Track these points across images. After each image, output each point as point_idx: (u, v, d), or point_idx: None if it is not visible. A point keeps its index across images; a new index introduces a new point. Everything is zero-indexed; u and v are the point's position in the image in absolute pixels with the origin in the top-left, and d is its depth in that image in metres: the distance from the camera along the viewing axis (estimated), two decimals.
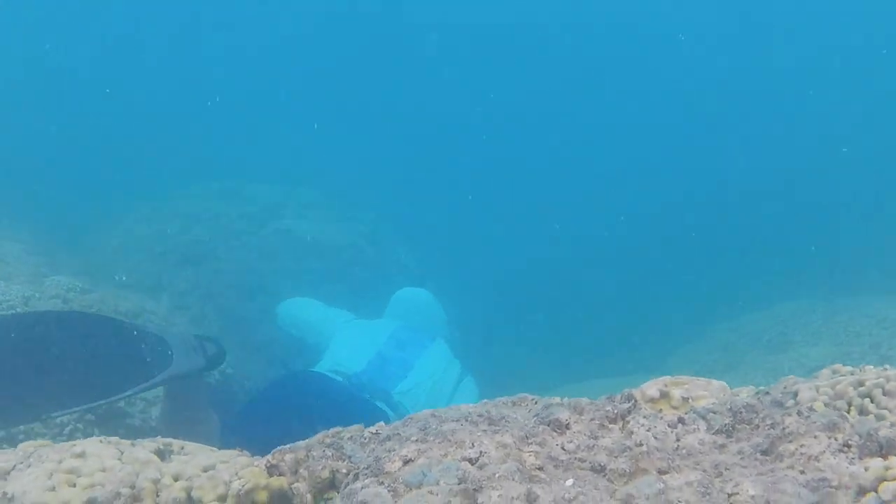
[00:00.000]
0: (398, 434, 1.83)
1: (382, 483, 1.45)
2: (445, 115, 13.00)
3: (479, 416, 1.66)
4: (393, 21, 14.32)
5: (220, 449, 2.19)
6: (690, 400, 1.83)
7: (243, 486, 1.75)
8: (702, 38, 13.62)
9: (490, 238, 10.00)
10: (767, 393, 2.16)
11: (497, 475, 1.43)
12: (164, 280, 7.42)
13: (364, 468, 1.57)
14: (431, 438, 1.57)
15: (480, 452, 1.50)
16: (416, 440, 1.56)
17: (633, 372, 6.72)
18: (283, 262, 7.74)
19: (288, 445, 1.90)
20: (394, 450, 1.69)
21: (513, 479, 1.44)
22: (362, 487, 1.44)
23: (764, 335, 7.19)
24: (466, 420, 1.63)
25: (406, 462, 1.51)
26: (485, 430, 1.58)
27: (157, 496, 1.92)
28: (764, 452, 1.74)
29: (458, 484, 1.41)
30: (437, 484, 1.42)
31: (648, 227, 10.22)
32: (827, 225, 9.82)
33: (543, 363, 8.23)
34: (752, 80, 13.51)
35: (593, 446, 1.63)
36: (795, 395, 2.09)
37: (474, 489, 1.39)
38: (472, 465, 1.48)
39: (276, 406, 4.08)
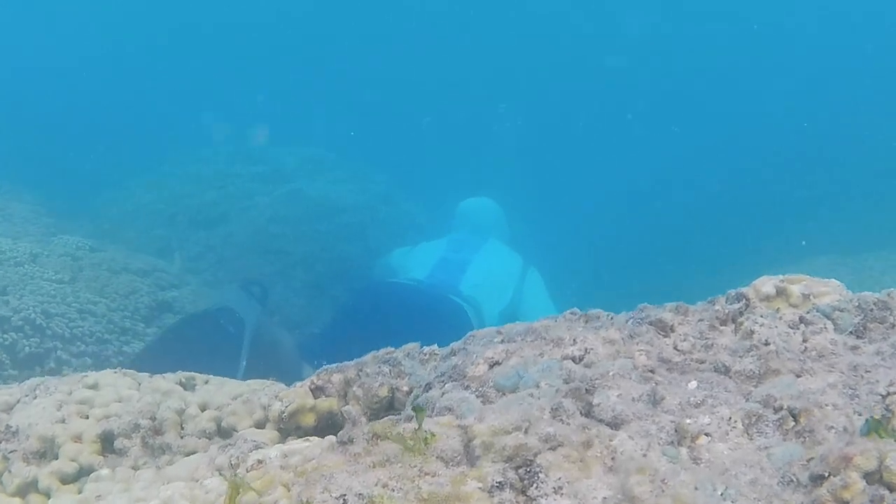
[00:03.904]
0: (463, 349, 1.54)
1: (468, 388, 1.17)
2: (460, 75, 12.58)
3: (572, 312, 1.37)
4: None
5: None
6: (812, 297, 1.54)
7: (286, 407, 1.47)
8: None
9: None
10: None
11: (611, 373, 1.14)
12: (174, 243, 7.19)
13: (437, 377, 1.28)
14: (520, 338, 1.28)
15: (586, 349, 1.21)
16: (503, 341, 1.27)
17: None
18: (297, 225, 7.45)
19: (334, 365, 1.62)
20: (463, 361, 1.41)
21: (630, 379, 1.15)
22: (443, 394, 1.15)
23: None
24: (560, 317, 1.34)
25: (493, 365, 1.22)
26: (584, 327, 1.29)
27: (182, 427, 1.65)
28: None
29: (566, 384, 1.12)
30: (538, 386, 1.13)
31: (674, 185, 9.89)
32: (855, 179, 9.48)
33: None
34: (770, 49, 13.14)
35: (711, 346, 1.34)
36: None
37: (587, 389, 1.10)
38: (577, 363, 1.20)
39: (364, 315, 4.40)
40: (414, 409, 0.97)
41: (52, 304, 4.30)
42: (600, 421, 1.08)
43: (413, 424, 0.99)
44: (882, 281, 6.21)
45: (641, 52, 13.02)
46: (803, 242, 7.02)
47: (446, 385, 1.20)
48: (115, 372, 1.88)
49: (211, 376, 2.05)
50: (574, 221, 9.25)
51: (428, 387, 1.30)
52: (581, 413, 1.09)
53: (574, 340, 1.23)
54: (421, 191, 9.00)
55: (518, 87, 12.34)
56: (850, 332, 1.51)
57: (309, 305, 6.61)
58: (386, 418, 1.16)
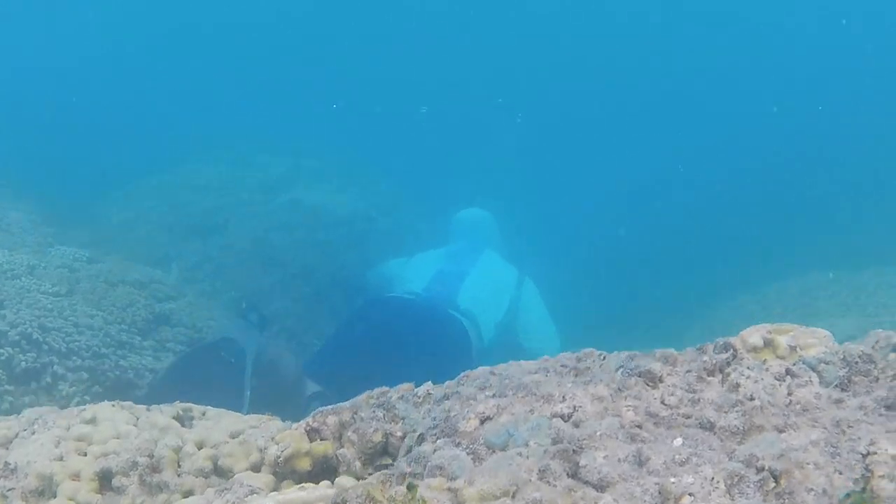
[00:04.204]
0: (457, 393, 1.58)
1: (459, 444, 1.20)
2: (462, 81, 12.59)
3: (563, 366, 1.41)
4: None
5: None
6: (798, 349, 1.57)
7: (282, 451, 1.50)
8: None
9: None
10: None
11: (598, 433, 1.18)
12: (173, 252, 7.21)
13: (430, 429, 1.31)
14: (511, 392, 1.31)
15: (574, 407, 1.24)
16: (494, 395, 1.30)
17: (651, 343, 6.49)
18: (296, 234, 7.47)
19: (330, 406, 1.65)
20: (455, 409, 1.44)
21: (616, 438, 1.18)
22: (435, 450, 1.19)
23: (790, 306, 6.92)
24: (550, 370, 1.37)
25: (484, 420, 1.25)
26: (573, 382, 1.32)
27: (179, 465, 1.68)
28: (889, 407, 1.49)
29: (554, 444, 1.15)
30: (527, 445, 1.16)
31: (672, 193, 9.95)
32: (853, 194, 9.54)
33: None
34: (762, 53, 13.17)
35: (697, 400, 1.38)
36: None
37: (574, 450, 1.14)
38: (566, 421, 1.23)
39: (364, 330, 4.47)
40: (408, 487, 1.00)
41: (49, 318, 4.32)
42: (586, 483, 1.11)
43: (404, 489, 1.02)
44: (876, 297, 6.26)
45: (638, 63, 13.06)
46: (830, 274, 7.02)
47: (438, 441, 1.24)
48: (113, 405, 1.90)
49: (209, 408, 2.08)
50: (570, 228, 9.32)
51: (421, 439, 1.33)
52: (568, 474, 1.12)
53: (563, 397, 1.26)
54: (420, 199, 9.04)
55: (516, 90, 12.39)
56: (835, 385, 1.54)
57: (308, 314, 6.64)
58: (379, 474, 1.20)
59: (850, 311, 6.32)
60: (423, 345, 4.40)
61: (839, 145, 10.63)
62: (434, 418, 1.44)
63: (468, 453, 1.18)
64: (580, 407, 1.25)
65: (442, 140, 11.34)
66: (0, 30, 11.79)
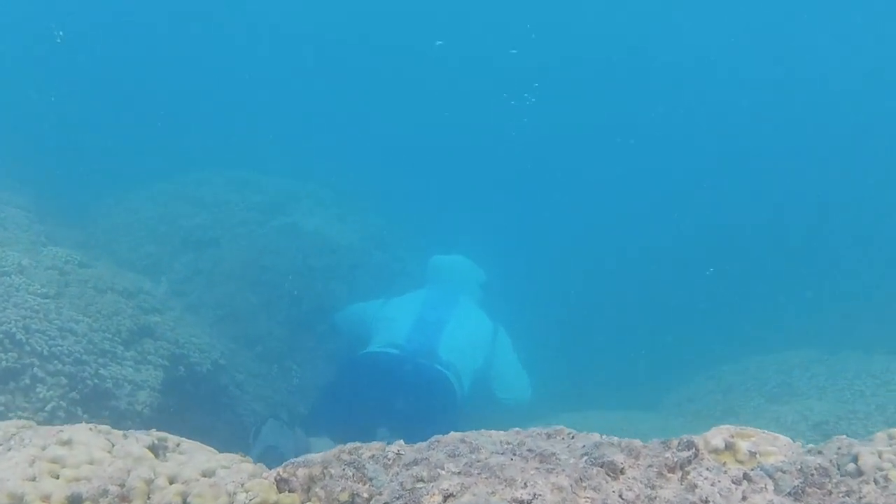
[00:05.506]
0: (426, 459, 1.63)
1: None
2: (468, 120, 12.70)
3: (529, 450, 1.46)
4: (411, 13, 13.94)
5: None
6: (758, 455, 1.63)
7: (250, 500, 1.54)
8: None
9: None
10: (820, 452, 1.97)
11: None
12: (164, 262, 7.25)
13: (395, 499, 1.36)
14: (476, 472, 1.36)
15: (534, 494, 1.29)
16: (459, 472, 1.36)
17: (630, 407, 6.55)
18: (287, 258, 7.52)
19: (301, 458, 1.69)
20: (423, 478, 1.49)
21: None
22: None
23: (768, 382, 6.98)
24: (515, 454, 1.43)
25: (447, 497, 1.30)
26: (537, 468, 1.38)
27: (149, 498, 1.71)
28: None
29: None
30: None
31: (660, 261, 10.05)
32: (844, 277, 9.66)
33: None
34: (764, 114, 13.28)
35: (654, 498, 1.43)
36: (856, 458, 1.90)
37: None
38: None
39: (354, 391, 4.51)
40: None
41: (35, 320, 4.32)
42: None
43: None
44: (854, 384, 6.32)
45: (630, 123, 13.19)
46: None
47: None
48: (91, 428, 1.94)
49: (184, 439, 2.12)
50: (549, 281, 9.42)
51: None
52: None
53: (525, 484, 1.32)
54: (413, 238, 9.12)
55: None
56: (788, 494, 1.60)
57: (291, 338, 6.68)
58: None
59: (827, 394, 6.38)
60: (414, 403, 4.49)
61: (841, 228, 10.74)
62: (401, 484, 1.49)
63: None
64: (540, 495, 1.30)
65: (441, 182, 11.46)
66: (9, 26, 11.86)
